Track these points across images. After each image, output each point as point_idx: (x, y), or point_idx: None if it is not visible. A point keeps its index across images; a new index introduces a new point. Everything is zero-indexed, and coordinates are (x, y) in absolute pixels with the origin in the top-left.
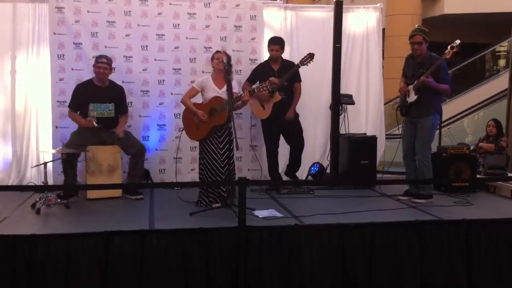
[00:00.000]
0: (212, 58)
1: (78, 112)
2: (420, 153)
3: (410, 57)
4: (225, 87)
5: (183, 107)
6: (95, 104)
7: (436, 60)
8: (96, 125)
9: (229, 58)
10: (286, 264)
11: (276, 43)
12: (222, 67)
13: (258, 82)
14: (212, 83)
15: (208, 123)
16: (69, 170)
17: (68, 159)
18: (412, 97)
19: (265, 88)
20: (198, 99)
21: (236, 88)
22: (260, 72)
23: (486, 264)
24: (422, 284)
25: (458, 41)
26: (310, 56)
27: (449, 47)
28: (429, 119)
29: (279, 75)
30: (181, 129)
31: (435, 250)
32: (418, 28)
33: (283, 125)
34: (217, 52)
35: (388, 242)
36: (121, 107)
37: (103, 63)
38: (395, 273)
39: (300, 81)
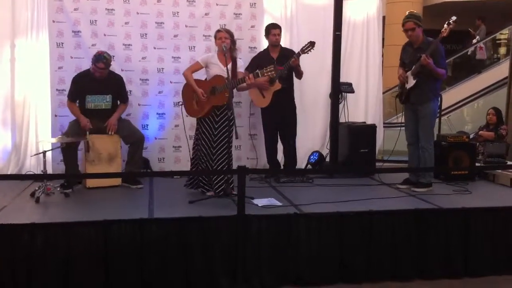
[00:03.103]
0: (215, 38)
1: (78, 102)
2: (423, 140)
3: (407, 45)
4: (230, 65)
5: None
6: (92, 95)
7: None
8: (88, 129)
9: (231, 35)
10: (285, 252)
11: (277, 26)
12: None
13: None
14: (217, 60)
15: (208, 102)
16: (69, 159)
17: (67, 148)
18: (411, 82)
19: (270, 72)
20: (201, 75)
21: (242, 67)
22: (260, 61)
23: (484, 252)
24: (419, 272)
25: (454, 17)
26: (311, 45)
27: (445, 24)
28: (429, 106)
29: (278, 64)
30: (181, 103)
31: (433, 238)
32: (409, 14)
33: (280, 114)
34: (218, 31)
35: (386, 230)
36: (120, 97)
37: (101, 69)
38: (393, 261)
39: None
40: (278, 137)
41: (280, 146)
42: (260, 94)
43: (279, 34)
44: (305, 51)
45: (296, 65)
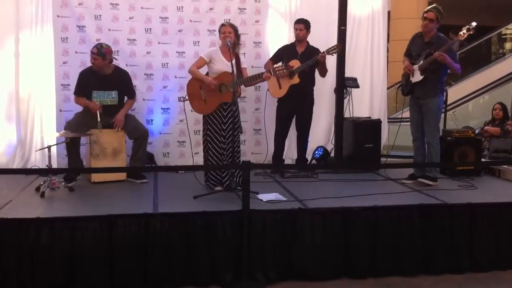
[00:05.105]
0: (219, 32)
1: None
2: (429, 135)
3: (417, 36)
4: (233, 61)
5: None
6: (98, 91)
7: (444, 40)
8: (99, 114)
9: (235, 29)
10: (289, 247)
11: (299, 22)
12: (232, 40)
13: (280, 62)
14: (220, 54)
15: (216, 99)
16: (72, 152)
17: (71, 142)
18: (417, 77)
19: (280, 71)
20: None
21: (245, 63)
22: (284, 53)
23: (489, 247)
24: (424, 267)
25: (474, 23)
26: (338, 47)
27: (465, 29)
28: (434, 101)
29: (301, 59)
30: (184, 98)
31: (438, 233)
32: (435, 6)
33: (297, 106)
34: (223, 25)
35: (391, 225)
36: (126, 92)
37: (93, 54)
38: (398, 256)
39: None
40: (288, 133)
41: (287, 143)
42: (277, 85)
43: (301, 30)
44: (330, 52)
45: (322, 61)
